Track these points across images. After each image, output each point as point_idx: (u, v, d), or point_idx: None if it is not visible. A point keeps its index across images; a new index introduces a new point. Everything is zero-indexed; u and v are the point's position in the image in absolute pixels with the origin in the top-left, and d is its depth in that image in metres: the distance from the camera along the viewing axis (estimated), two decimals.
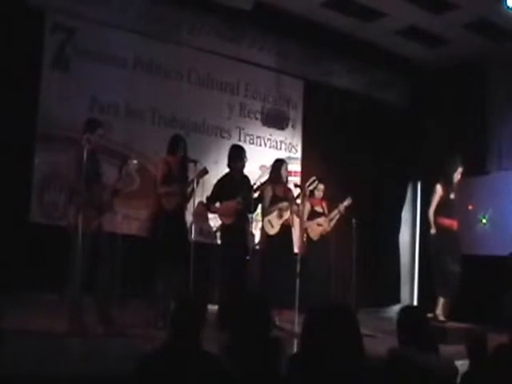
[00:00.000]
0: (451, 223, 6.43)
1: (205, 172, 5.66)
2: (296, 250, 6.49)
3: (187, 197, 5.70)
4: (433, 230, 6.47)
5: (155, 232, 5.55)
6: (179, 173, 5.69)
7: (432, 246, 6.53)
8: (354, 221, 6.47)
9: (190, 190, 5.65)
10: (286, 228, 6.34)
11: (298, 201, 6.49)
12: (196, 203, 5.76)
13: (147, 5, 7.24)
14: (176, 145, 5.73)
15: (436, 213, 6.46)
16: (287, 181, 6.60)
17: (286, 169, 6.53)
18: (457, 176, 6.49)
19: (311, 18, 8.09)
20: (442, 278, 6.38)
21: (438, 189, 6.50)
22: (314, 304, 2.49)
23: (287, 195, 6.43)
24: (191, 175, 5.68)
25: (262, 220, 6.33)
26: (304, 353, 2.32)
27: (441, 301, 6.37)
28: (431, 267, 6.65)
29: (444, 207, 6.44)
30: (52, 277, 5.69)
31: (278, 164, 6.48)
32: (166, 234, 5.42)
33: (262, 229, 6.37)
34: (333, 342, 2.26)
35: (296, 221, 6.56)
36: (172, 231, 5.47)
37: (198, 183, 5.59)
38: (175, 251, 5.45)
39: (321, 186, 7.11)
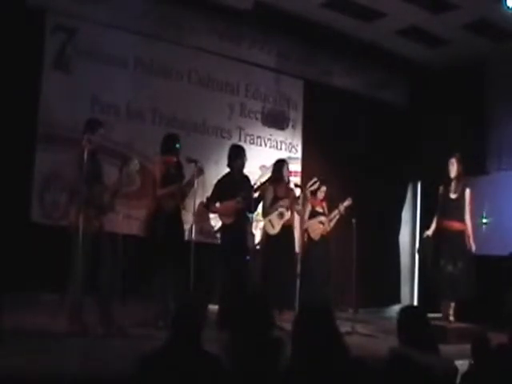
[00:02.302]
0: (448, 224, 6.38)
1: (201, 172, 5.66)
2: (296, 250, 6.50)
3: (184, 197, 5.71)
4: (428, 232, 6.49)
5: (154, 232, 5.55)
6: (177, 172, 5.70)
7: (426, 248, 6.54)
8: (353, 221, 6.47)
9: (187, 190, 5.66)
10: (287, 228, 6.34)
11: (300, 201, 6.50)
12: (197, 203, 5.77)
13: (148, 5, 7.24)
14: (172, 144, 5.74)
15: (437, 214, 6.47)
16: (289, 181, 6.61)
17: (288, 169, 6.53)
18: (451, 172, 6.45)
19: (311, 18, 8.09)
20: (439, 280, 6.39)
21: (440, 190, 6.51)
22: (306, 305, 2.52)
23: (289, 195, 6.42)
24: (190, 175, 5.68)
25: (263, 220, 6.33)
26: (292, 354, 2.35)
27: (444, 302, 6.39)
28: (427, 270, 6.67)
29: (443, 208, 6.44)
30: (52, 277, 5.69)
31: (280, 164, 6.48)
32: (165, 235, 5.42)
33: (263, 229, 6.38)
34: (314, 341, 2.29)
35: (297, 220, 6.56)
36: (171, 231, 5.48)
37: (196, 183, 5.59)
38: (174, 251, 5.46)
39: (323, 188, 7.13)
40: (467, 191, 6.40)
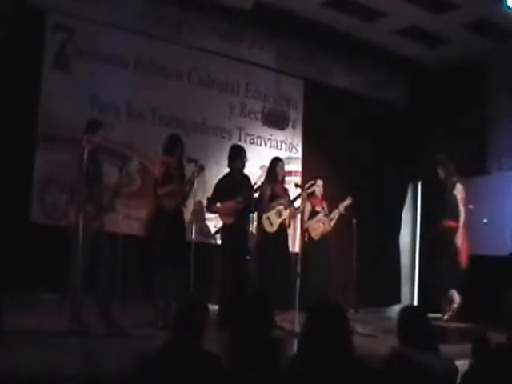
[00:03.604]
0: (445, 223, 6.39)
1: (201, 169, 5.66)
2: (296, 250, 6.50)
3: (185, 196, 5.71)
4: (429, 234, 6.56)
5: (155, 232, 5.55)
6: (177, 173, 5.70)
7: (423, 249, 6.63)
8: (354, 221, 6.47)
9: (187, 188, 5.66)
10: (283, 227, 6.36)
11: (298, 202, 6.49)
12: (195, 202, 5.77)
13: (148, 5, 7.24)
14: (173, 145, 5.74)
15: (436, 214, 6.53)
16: (284, 180, 6.60)
17: (282, 167, 6.50)
18: (440, 174, 6.47)
19: (311, 18, 8.09)
20: (428, 277, 6.44)
21: (436, 191, 6.55)
22: (313, 305, 2.50)
23: (285, 194, 6.45)
24: (190, 175, 5.68)
25: (261, 217, 6.32)
26: (300, 352, 2.34)
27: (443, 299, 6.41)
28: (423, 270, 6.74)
29: (439, 208, 6.47)
30: (52, 277, 5.70)
31: (273, 163, 6.48)
32: (165, 235, 5.42)
33: (259, 226, 6.35)
34: (324, 341, 2.28)
35: (294, 222, 6.57)
36: (171, 231, 5.48)
37: (196, 182, 5.59)
38: (174, 251, 5.46)
39: (319, 182, 7.08)
40: (458, 186, 6.42)
